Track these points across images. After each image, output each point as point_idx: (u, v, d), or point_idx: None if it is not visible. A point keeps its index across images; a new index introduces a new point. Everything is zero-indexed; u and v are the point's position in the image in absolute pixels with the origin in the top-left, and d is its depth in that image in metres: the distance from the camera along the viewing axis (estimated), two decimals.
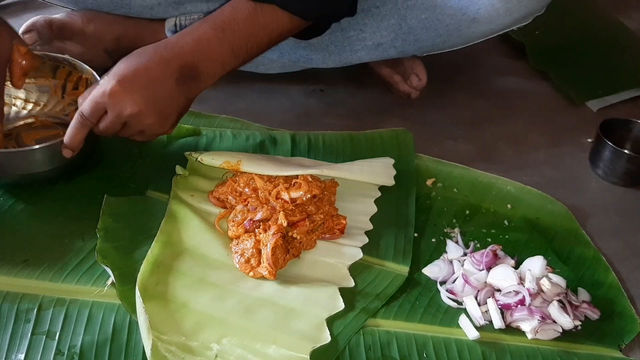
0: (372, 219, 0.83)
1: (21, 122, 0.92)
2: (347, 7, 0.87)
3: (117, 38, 1.09)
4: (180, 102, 0.79)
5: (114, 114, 0.76)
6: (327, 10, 0.86)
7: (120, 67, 0.76)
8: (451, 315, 0.74)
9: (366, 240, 0.80)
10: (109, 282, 0.72)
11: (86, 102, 0.76)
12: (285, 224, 0.75)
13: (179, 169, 0.85)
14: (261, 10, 0.79)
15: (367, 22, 1.00)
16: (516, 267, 0.78)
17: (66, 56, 0.93)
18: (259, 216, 0.76)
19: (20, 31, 1.08)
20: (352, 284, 0.74)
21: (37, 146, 0.79)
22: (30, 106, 0.94)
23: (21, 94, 0.94)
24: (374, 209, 0.85)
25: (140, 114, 0.75)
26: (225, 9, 0.80)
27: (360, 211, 0.84)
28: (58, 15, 1.10)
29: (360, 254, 0.78)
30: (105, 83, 0.75)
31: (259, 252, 0.73)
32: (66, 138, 0.78)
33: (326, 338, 0.67)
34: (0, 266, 0.73)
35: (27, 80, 0.94)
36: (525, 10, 1.01)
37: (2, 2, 1.34)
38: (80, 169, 0.86)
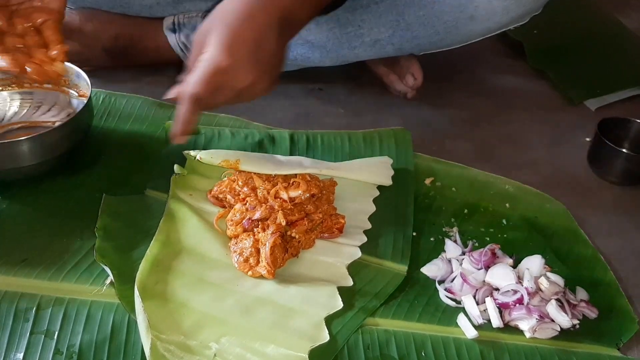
0: (370, 218, 0.84)
1: (15, 127, 0.93)
2: None
3: (115, 36, 1.09)
4: (281, 54, 0.74)
5: (231, 89, 0.71)
6: None
7: (223, 33, 0.69)
8: (450, 314, 0.74)
9: (365, 239, 0.80)
10: (108, 281, 0.72)
11: (197, 81, 0.70)
12: (284, 223, 0.75)
13: (177, 168, 0.85)
14: None
15: (365, 18, 1.00)
16: (514, 266, 0.78)
17: None
18: (257, 215, 0.76)
19: None
20: (350, 283, 0.74)
21: (23, 138, 0.79)
22: (25, 110, 0.94)
23: (17, 99, 0.94)
24: (372, 208, 0.85)
25: (255, 82, 0.71)
26: None
27: (358, 210, 0.84)
28: None
29: (359, 253, 0.78)
30: (215, 56, 0.69)
31: (258, 251, 0.73)
32: (181, 123, 0.73)
33: (325, 337, 0.67)
34: None
35: (25, 85, 0.94)
36: (522, 9, 1.01)
37: None
38: (71, 163, 0.86)
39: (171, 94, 0.74)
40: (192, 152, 0.86)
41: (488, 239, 0.84)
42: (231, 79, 0.70)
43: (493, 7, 0.98)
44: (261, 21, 0.70)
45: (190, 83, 0.71)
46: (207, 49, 0.70)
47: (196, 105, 0.72)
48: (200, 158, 0.85)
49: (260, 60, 0.71)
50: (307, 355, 0.65)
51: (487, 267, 0.78)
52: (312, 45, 1.05)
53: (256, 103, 1.10)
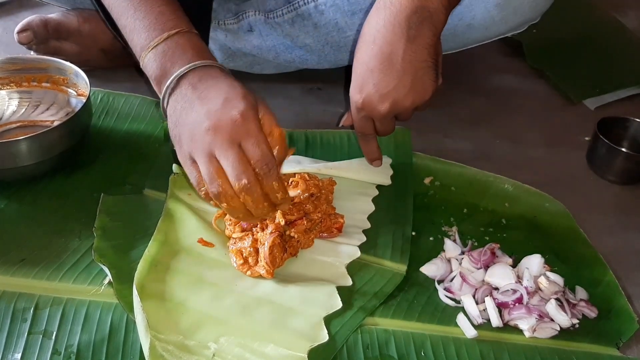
0: (369, 218, 0.83)
1: (14, 126, 0.92)
2: None
3: (113, 37, 1.08)
4: (422, 56, 0.72)
5: (379, 119, 0.78)
6: None
7: (356, 69, 0.76)
8: (449, 313, 0.73)
9: (364, 238, 0.80)
10: (106, 281, 0.72)
11: (355, 122, 0.81)
12: (282, 223, 0.75)
13: (176, 168, 0.85)
14: None
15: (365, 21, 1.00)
16: (514, 265, 0.78)
17: (53, 58, 0.94)
18: None
19: (15, 30, 1.08)
20: (349, 282, 0.74)
21: (21, 137, 0.79)
22: (23, 109, 0.94)
23: (15, 98, 0.94)
24: (371, 207, 0.85)
25: (397, 102, 0.74)
26: None
27: (358, 210, 0.84)
28: (54, 14, 1.10)
29: (358, 253, 0.78)
30: (353, 99, 0.77)
31: (257, 251, 0.73)
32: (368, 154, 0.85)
33: (324, 337, 0.67)
34: None
35: (24, 84, 0.94)
36: (521, 18, 1.01)
37: None
38: (69, 163, 0.86)
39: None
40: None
41: (487, 238, 0.84)
42: (372, 112, 0.76)
43: (491, 16, 0.97)
44: (385, 39, 0.72)
45: (356, 127, 0.82)
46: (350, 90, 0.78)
47: (363, 140, 0.85)
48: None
49: (393, 80, 0.73)
50: (306, 355, 0.65)
51: (486, 267, 0.77)
52: (310, 49, 1.05)
53: None
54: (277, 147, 0.67)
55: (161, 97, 0.71)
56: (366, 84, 0.74)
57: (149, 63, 0.71)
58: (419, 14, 0.71)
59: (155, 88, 0.73)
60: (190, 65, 0.68)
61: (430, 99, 0.77)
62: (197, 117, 0.66)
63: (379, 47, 0.72)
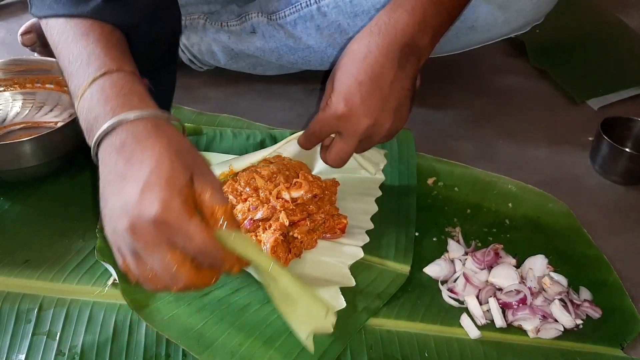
0: (372, 218, 0.83)
1: (18, 127, 0.93)
2: None
3: None
4: (407, 85, 0.72)
5: (351, 134, 0.72)
6: None
7: (340, 79, 0.71)
8: (452, 314, 0.73)
9: (367, 239, 0.80)
10: (110, 282, 0.72)
11: (314, 122, 0.75)
12: (286, 223, 0.75)
13: None
14: None
15: (367, 24, 1.00)
16: (517, 266, 0.78)
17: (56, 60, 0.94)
18: (259, 215, 0.76)
19: (19, 32, 1.08)
20: (353, 283, 0.74)
21: (25, 139, 0.79)
22: (27, 111, 0.94)
23: (19, 99, 0.94)
24: (374, 208, 0.85)
25: (378, 121, 0.71)
26: None
27: (361, 210, 0.84)
28: None
29: (361, 253, 0.78)
30: (332, 104, 0.71)
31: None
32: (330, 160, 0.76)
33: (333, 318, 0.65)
34: (0, 266, 0.73)
35: (28, 86, 0.95)
36: (523, 20, 1.01)
37: (2, 2, 1.34)
38: (72, 164, 0.86)
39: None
40: None
41: (491, 238, 0.84)
42: (351, 124, 0.71)
43: (494, 18, 0.97)
44: (377, 59, 0.70)
45: (314, 128, 0.75)
46: (331, 96, 0.72)
47: (304, 139, 0.78)
48: None
49: (382, 100, 0.70)
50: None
51: (490, 267, 0.77)
52: (312, 50, 1.05)
53: (257, 103, 1.11)
54: (224, 225, 0.55)
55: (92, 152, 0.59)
56: (353, 95, 0.70)
57: (79, 116, 0.61)
58: (410, 47, 0.71)
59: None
60: (112, 122, 0.56)
61: (394, 135, 0.76)
62: (115, 209, 0.55)
63: (370, 65, 0.70)
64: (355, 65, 0.71)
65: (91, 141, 0.58)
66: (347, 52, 0.73)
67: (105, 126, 0.56)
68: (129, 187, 0.53)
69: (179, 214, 0.52)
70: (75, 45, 0.63)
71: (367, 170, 0.85)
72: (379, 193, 0.87)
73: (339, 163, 0.75)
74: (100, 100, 0.58)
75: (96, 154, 0.58)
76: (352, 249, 0.78)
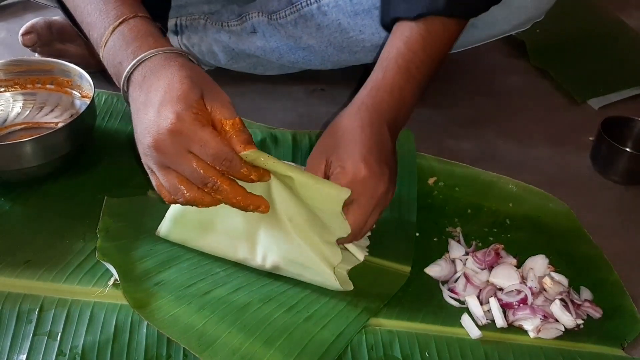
0: None
1: (18, 127, 0.93)
2: None
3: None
4: (396, 156, 0.75)
5: (368, 199, 0.69)
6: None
7: (349, 149, 0.70)
8: (453, 314, 0.73)
9: (368, 242, 0.79)
10: (111, 282, 0.72)
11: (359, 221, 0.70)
12: None
13: None
14: (431, 30, 0.76)
15: (367, 23, 1.00)
16: (518, 266, 0.78)
17: (57, 60, 0.94)
18: None
19: (20, 33, 1.08)
20: (350, 287, 0.73)
21: (26, 139, 0.79)
22: (27, 111, 0.94)
23: (20, 100, 0.94)
24: None
25: (388, 187, 0.71)
26: (396, 43, 0.77)
27: None
28: (58, 17, 1.10)
29: (361, 258, 0.77)
30: (352, 169, 0.68)
31: None
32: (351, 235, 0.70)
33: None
34: (1, 267, 0.73)
35: (28, 86, 0.95)
36: (524, 17, 1.01)
37: (2, 3, 1.34)
38: (74, 164, 0.86)
39: None
40: None
41: (491, 238, 0.84)
42: (370, 188, 0.69)
43: (494, 15, 0.97)
44: (374, 131, 0.71)
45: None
46: (340, 164, 0.69)
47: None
48: None
49: (387, 166, 0.71)
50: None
51: (490, 267, 0.77)
52: (313, 50, 1.05)
53: (258, 104, 1.11)
54: (233, 137, 0.63)
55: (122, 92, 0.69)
56: (368, 160, 0.69)
57: (105, 63, 0.70)
58: (394, 123, 0.75)
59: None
60: (134, 62, 0.65)
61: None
62: (141, 132, 0.64)
63: (371, 135, 0.71)
64: (358, 136, 0.71)
65: (120, 84, 0.67)
66: (338, 128, 0.73)
67: (128, 68, 0.65)
68: (149, 111, 0.62)
69: (192, 123, 0.60)
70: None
71: (355, 257, 0.77)
72: None
73: (358, 232, 0.71)
74: (122, 45, 0.67)
75: (126, 98, 0.67)
76: (352, 255, 0.77)
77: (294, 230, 0.69)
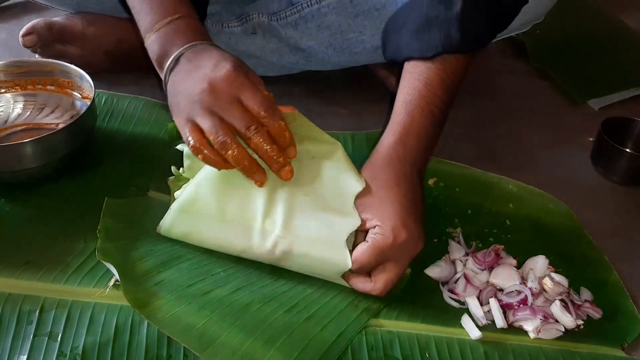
0: None
1: (19, 128, 0.93)
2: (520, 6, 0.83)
3: (117, 40, 1.09)
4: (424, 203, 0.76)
5: (404, 259, 0.71)
6: (498, 30, 0.84)
7: (387, 208, 0.70)
8: (453, 315, 0.73)
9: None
10: (111, 283, 0.72)
11: (366, 254, 0.69)
12: None
13: (174, 170, 0.83)
14: (447, 68, 0.78)
15: (367, 25, 1.00)
16: (518, 266, 0.78)
17: (57, 61, 0.94)
18: None
19: (20, 34, 1.08)
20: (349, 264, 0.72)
21: (26, 140, 0.79)
22: (28, 112, 0.95)
23: (20, 101, 0.95)
24: None
25: (420, 243, 0.71)
26: (417, 85, 0.77)
27: None
28: (58, 18, 1.10)
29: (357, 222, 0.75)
30: (393, 233, 0.69)
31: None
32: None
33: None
34: (1, 268, 0.73)
35: (29, 87, 0.95)
36: (523, 18, 1.00)
37: (3, 4, 1.35)
38: (74, 165, 0.87)
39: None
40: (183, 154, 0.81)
41: (492, 239, 0.84)
42: (408, 249, 0.70)
43: None
44: (408, 186, 0.72)
45: (367, 259, 0.70)
46: (380, 227, 0.69)
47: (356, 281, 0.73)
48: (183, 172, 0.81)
49: (421, 222, 0.72)
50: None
51: (490, 268, 0.77)
52: (313, 50, 1.05)
53: None
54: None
55: (162, 76, 0.75)
56: (407, 222, 0.70)
57: (151, 44, 0.75)
58: (422, 171, 0.76)
59: (157, 68, 0.76)
60: (188, 45, 0.73)
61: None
62: (193, 82, 0.70)
63: (407, 192, 0.72)
64: (394, 195, 0.71)
65: (167, 59, 0.73)
66: (372, 181, 0.73)
67: (183, 48, 0.73)
68: (204, 68, 0.70)
69: (244, 74, 0.71)
70: None
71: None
72: None
73: (387, 290, 0.71)
74: (178, 33, 0.74)
75: (169, 72, 0.73)
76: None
77: (309, 204, 0.72)
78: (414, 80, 0.78)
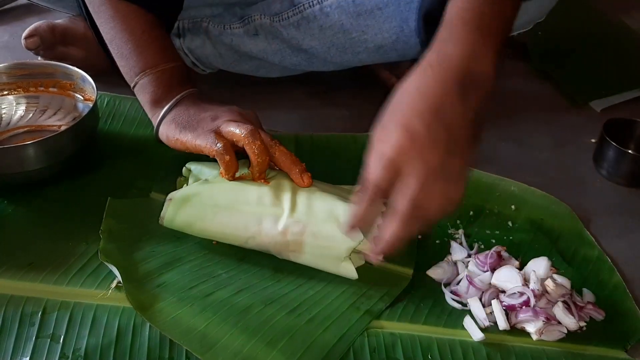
0: None
1: (21, 131, 0.93)
2: None
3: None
4: (471, 119, 0.62)
5: (418, 172, 0.59)
6: None
7: (395, 114, 0.62)
8: (455, 316, 0.73)
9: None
10: (114, 284, 0.72)
11: (371, 166, 0.61)
12: None
13: (185, 171, 0.83)
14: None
15: (370, 24, 1.00)
16: (520, 268, 0.78)
17: (59, 63, 0.94)
18: None
19: (22, 36, 1.08)
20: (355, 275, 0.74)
21: (29, 142, 0.79)
22: (30, 114, 0.95)
23: (23, 103, 0.95)
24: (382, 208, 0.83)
25: (445, 158, 0.60)
26: (464, 2, 0.65)
27: None
28: (61, 20, 1.11)
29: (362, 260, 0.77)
30: (386, 137, 0.60)
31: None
32: (352, 220, 0.64)
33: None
34: (4, 270, 0.73)
35: (31, 89, 0.95)
36: (525, 17, 1.01)
37: (5, 6, 1.35)
38: (76, 167, 0.87)
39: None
40: (191, 167, 0.82)
41: (494, 241, 0.83)
42: (415, 158, 0.59)
43: None
44: (436, 91, 0.61)
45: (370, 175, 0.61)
46: (383, 134, 0.62)
47: (370, 198, 0.62)
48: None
49: (445, 131, 0.60)
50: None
51: (493, 270, 0.77)
52: (316, 51, 1.05)
53: (260, 106, 1.11)
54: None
55: (157, 117, 0.81)
56: (414, 123, 0.59)
57: (144, 86, 0.83)
58: (469, 77, 0.63)
59: (146, 108, 0.84)
60: (186, 92, 0.82)
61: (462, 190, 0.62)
62: (208, 108, 0.80)
63: (428, 97, 0.61)
64: (411, 98, 0.62)
65: (168, 99, 0.82)
66: (396, 93, 0.64)
67: (183, 93, 0.82)
68: (214, 104, 0.81)
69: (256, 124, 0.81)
70: (138, 38, 0.83)
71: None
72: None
73: (415, 211, 0.60)
74: (172, 80, 0.83)
75: (168, 110, 0.81)
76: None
77: (322, 192, 0.75)
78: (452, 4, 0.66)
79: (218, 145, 0.74)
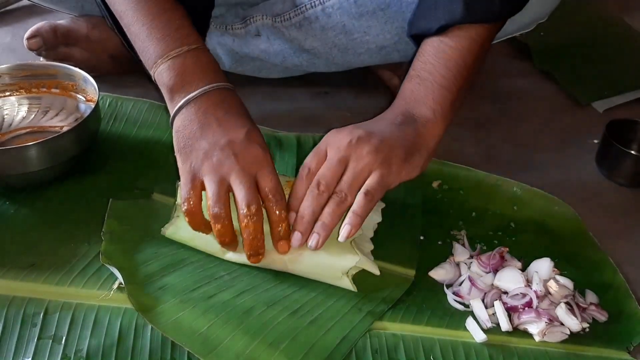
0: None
1: (23, 131, 0.93)
2: None
3: (121, 43, 1.09)
4: (406, 145, 0.75)
5: (362, 158, 0.72)
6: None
7: (349, 127, 0.76)
8: (458, 318, 0.73)
9: (372, 246, 0.79)
10: (115, 286, 0.72)
11: (323, 168, 0.72)
12: None
13: None
14: (446, 39, 0.78)
15: (372, 25, 1.00)
16: (523, 269, 0.78)
17: (62, 64, 0.94)
18: None
19: (25, 37, 1.09)
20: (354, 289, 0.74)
21: (31, 143, 0.79)
22: (32, 115, 0.95)
23: (25, 104, 0.95)
24: (379, 218, 0.83)
25: (376, 159, 0.72)
26: (423, 59, 0.80)
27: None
28: (63, 21, 1.11)
29: (377, 272, 0.76)
30: (332, 138, 0.74)
31: None
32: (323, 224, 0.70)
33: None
34: (6, 270, 0.73)
35: (33, 90, 0.95)
36: (528, 18, 1.01)
37: (7, 7, 1.35)
38: (78, 168, 0.87)
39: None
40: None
41: (496, 242, 0.83)
42: (361, 147, 0.72)
43: None
44: (380, 121, 0.79)
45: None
46: (331, 136, 0.75)
47: (315, 198, 0.71)
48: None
49: (380, 143, 0.74)
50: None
51: (495, 271, 0.77)
52: (317, 52, 1.05)
53: (262, 107, 1.11)
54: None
55: (174, 108, 0.73)
56: (357, 131, 0.74)
57: (163, 72, 0.74)
58: (408, 116, 0.78)
59: (166, 96, 0.75)
60: (208, 86, 0.73)
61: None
62: (217, 141, 0.70)
63: (372, 123, 0.78)
64: (362, 124, 0.77)
65: (183, 93, 0.73)
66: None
67: (204, 88, 0.73)
68: (233, 131, 0.71)
69: (270, 156, 0.72)
70: (161, 17, 0.75)
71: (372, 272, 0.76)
72: (382, 205, 0.85)
73: (354, 185, 0.72)
74: (196, 67, 0.74)
75: (183, 107, 0.72)
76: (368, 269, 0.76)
77: None
78: (420, 55, 0.80)
79: (188, 202, 0.69)
